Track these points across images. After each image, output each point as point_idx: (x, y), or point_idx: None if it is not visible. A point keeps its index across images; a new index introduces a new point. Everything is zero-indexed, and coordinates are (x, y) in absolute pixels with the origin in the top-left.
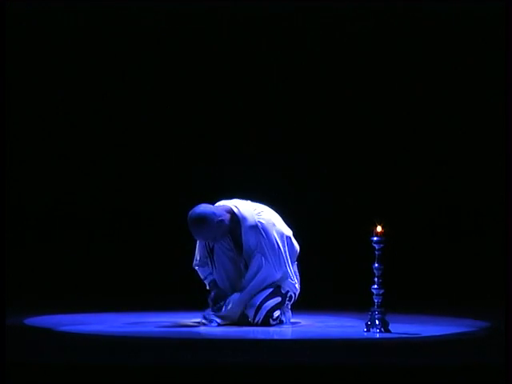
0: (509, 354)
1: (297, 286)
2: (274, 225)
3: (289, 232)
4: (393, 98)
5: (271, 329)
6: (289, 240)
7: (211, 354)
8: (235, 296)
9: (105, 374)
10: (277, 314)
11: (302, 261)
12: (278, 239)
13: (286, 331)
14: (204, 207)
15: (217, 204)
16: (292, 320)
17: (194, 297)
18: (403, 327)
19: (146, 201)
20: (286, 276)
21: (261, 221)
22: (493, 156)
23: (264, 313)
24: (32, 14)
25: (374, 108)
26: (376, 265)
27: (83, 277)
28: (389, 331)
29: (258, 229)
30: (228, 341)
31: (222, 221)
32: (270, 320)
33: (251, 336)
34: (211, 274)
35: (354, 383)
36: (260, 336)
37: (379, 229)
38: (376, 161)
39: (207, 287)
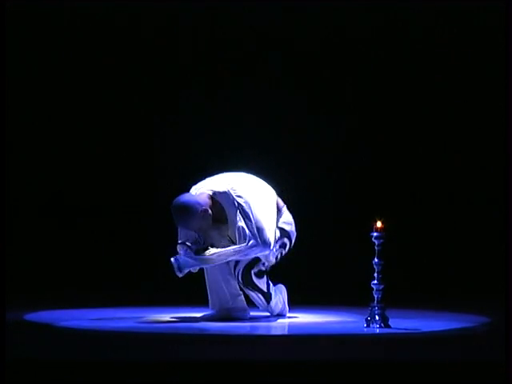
0: (509, 349)
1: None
2: (253, 199)
3: (269, 194)
4: (392, 93)
5: (271, 325)
6: (270, 205)
7: (210, 351)
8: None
9: (105, 370)
10: (256, 269)
11: (302, 257)
12: (261, 215)
13: (285, 326)
14: (187, 196)
15: (192, 191)
16: (291, 315)
17: (195, 293)
18: (403, 322)
19: (146, 198)
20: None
21: (239, 202)
22: (494, 151)
23: (240, 272)
24: (32, 14)
25: (374, 103)
26: (376, 260)
27: (84, 272)
28: (389, 326)
29: (240, 210)
30: (226, 336)
31: (206, 210)
32: (253, 277)
33: (249, 331)
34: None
35: (354, 379)
36: (259, 331)
37: (379, 224)
38: (376, 156)
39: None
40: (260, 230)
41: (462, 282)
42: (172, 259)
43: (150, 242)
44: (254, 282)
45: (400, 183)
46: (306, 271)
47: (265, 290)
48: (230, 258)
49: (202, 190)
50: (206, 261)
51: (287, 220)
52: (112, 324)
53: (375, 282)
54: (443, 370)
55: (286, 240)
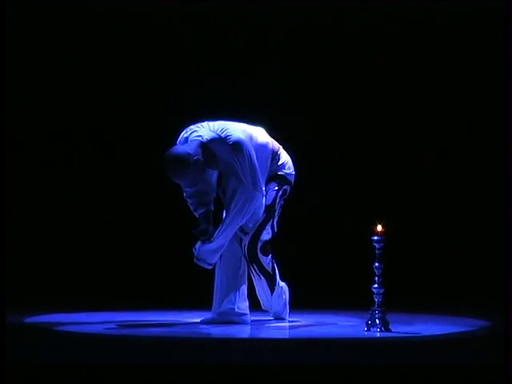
0: (509, 353)
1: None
2: (245, 139)
3: (259, 135)
4: (392, 95)
5: (271, 327)
6: (261, 147)
7: (209, 353)
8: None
9: (104, 373)
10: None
11: (302, 260)
12: (251, 156)
13: (285, 330)
14: (178, 148)
15: (188, 130)
16: (291, 319)
17: (195, 296)
18: (404, 326)
19: (148, 201)
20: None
21: (232, 141)
22: (493, 154)
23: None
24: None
25: (375, 104)
26: (376, 264)
27: (84, 276)
28: (389, 330)
29: (232, 150)
30: (226, 340)
31: (198, 160)
32: (258, 252)
33: (250, 335)
34: (202, 204)
35: (354, 383)
36: (259, 335)
37: (379, 228)
38: (376, 160)
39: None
40: (252, 176)
41: (461, 286)
42: (195, 261)
43: (150, 244)
44: (259, 259)
45: (400, 187)
46: (306, 274)
47: (270, 271)
48: (239, 220)
49: (194, 137)
50: (219, 239)
51: (284, 162)
52: (112, 327)
53: (376, 285)
54: (443, 374)
55: (286, 187)
